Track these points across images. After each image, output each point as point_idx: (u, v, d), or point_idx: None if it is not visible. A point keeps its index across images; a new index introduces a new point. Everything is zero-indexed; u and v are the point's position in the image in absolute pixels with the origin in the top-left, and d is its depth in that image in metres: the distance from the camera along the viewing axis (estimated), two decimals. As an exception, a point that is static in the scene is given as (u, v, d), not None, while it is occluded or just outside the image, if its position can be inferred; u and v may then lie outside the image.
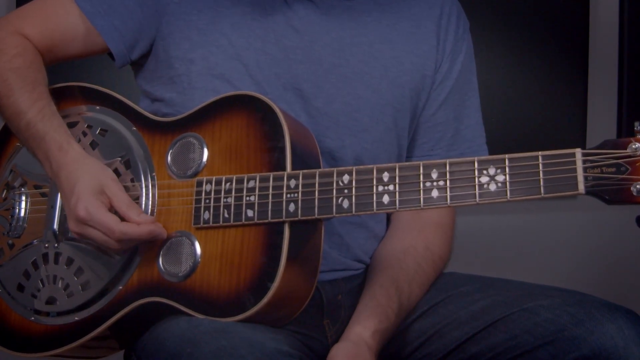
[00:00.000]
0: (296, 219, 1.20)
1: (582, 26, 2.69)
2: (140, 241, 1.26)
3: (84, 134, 1.38)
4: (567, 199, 2.73)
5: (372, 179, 1.18)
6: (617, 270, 2.78)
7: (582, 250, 2.77)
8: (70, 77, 1.47)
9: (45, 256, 1.38)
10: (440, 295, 1.41)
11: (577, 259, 2.77)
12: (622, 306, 1.25)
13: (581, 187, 1.06)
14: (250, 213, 1.23)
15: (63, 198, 1.30)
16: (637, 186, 1.04)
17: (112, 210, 1.26)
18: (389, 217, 1.52)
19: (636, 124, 1.06)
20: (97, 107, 1.42)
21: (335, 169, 1.20)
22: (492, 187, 1.11)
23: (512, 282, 1.39)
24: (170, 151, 1.32)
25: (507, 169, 1.10)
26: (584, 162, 1.07)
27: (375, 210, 1.17)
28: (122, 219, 1.25)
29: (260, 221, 1.22)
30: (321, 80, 1.38)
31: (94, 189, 1.25)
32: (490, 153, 1.46)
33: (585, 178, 1.06)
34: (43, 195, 1.42)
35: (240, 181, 1.25)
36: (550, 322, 1.24)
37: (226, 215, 1.24)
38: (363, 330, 1.30)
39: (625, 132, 1.08)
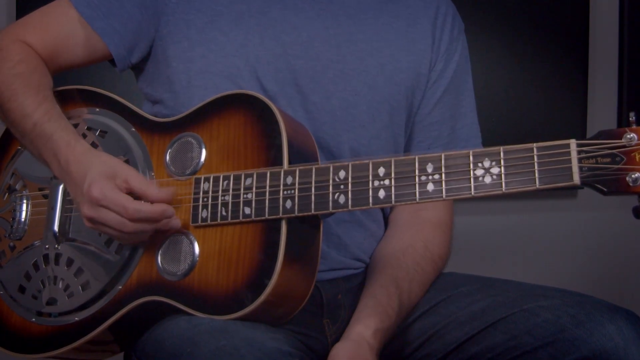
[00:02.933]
0: (293, 215, 1.20)
1: (582, 22, 2.69)
2: (153, 222, 1.25)
3: (84, 136, 1.39)
4: (567, 199, 2.74)
5: (368, 174, 1.18)
6: (616, 270, 2.78)
7: (582, 251, 2.77)
8: (70, 81, 1.48)
9: (45, 257, 1.38)
10: (441, 295, 1.40)
11: (576, 259, 2.77)
12: (622, 307, 1.25)
13: (576, 178, 1.06)
14: (247, 210, 1.23)
15: (74, 189, 1.29)
16: (633, 176, 1.03)
17: (129, 192, 1.25)
18: (386, 216, 1.52)
19: (631, 114, 1.06)
20: (97, 109, 1.43)
21: (331, 165, 1.21)
22: (487, 179, 1.11)
23: (512, 282, 1.39)
24: (169, 151, 1.33)
25: (502, 161, 1.10)
26: (579, 152, 1.06)
27: (371, 205, 1.17)
28: (141, 198, 1.25)
29: (258, 218, 1.22)
30: (319, 75, 1.40)
31: (106, 173, 1.25)
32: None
33: (581, 169, 1.06)
34: (44, 197, 1.42)
35: (237, 179, 1.25)
36: (550, 323, 1.24)
37: (224, 213, 1.25)
38: (364, 329, 1.30)
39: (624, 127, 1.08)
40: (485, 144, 1.51)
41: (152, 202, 1.26)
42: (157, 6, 1.40)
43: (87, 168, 1.26)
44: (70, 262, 1.36)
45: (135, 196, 1.25)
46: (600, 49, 2.73)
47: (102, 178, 1.24)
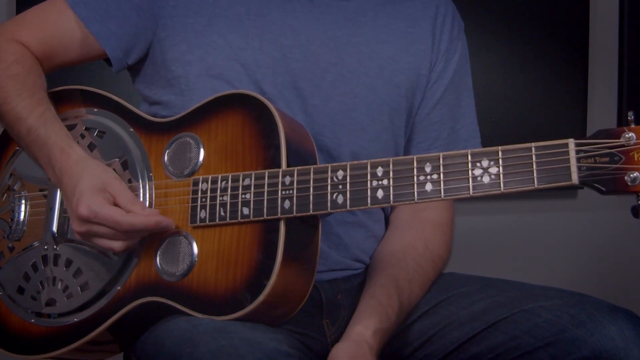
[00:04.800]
0: (291, 215, 1.20)
1: (582, 22, 2.69)
2: (147, 232, 1.26)
3: (82, 136, 1.39)
4: (567, 199, 2.74)
5: (367, 174, 1.18)
6: (616, 270, 2.77)
7: (582, 251, 2.77)
8: (69, 81, 1.48)
9: (44, 258, 1.38)
10: (441, 295, 1.40)
11: (576, 259, 2.77)
12: (623, 307, 1.25)
13: (575, 178, 1.06)
14: (246, 211, 1.23)
15: (66, 200, 1.30)
16: (631, 175, 1.03)
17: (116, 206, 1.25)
18: (387, 217, 1.52)
19: (629, 113, 1.05)
20: (95, 110, 1.42)
21: (329, 165, 1.20)
22: (486, 179, 1.11)
23: (512, 282, 1.39)
24: (167, 151, 1.33)
25: (500, 161, 1.10)
26: (577, 152, 1.06)
27: (369, 205, 1.17)
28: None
29: (256, 219, 1.22)
30: (318, 78, 1.39)
31: (95, 187, 1.25)
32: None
33: (579, 168, 1.06)
34: (43, 198, 1.42)
35: (235, 179, 1.25)
36: (550, 323, 1.24)
37: (222, 213, 1.25)
38: (364, 330, 1.30)
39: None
40: (485, 144, 1.50)
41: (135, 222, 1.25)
42: (154, 9, 1.40)
43: (77, 180, 1.26)
44: (69, 263, 1.36)
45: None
46: (600, 49, 2.73)
47: (90, 193, 1.24)
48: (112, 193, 1.25)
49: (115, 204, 1.25)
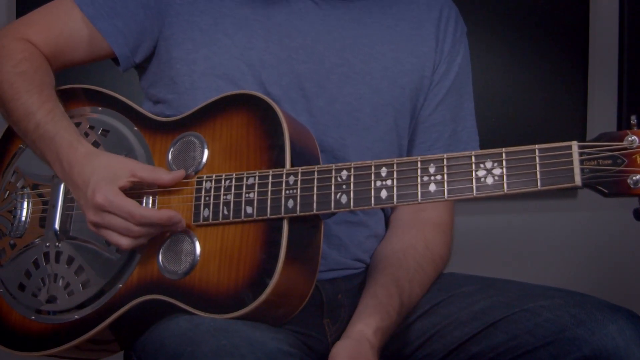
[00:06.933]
0: (295, 215, 1.20)
1: (582, 22, 2.70)
2: (158, 230, 1.26)
3: (86, 135, 1.39)
4: (567, 199, 2.74)
5: (371, 174, 1.18)
6: (617, 270, 2.78)
7: (582, 250, 2.77)
8: (73, 79, 1.48)
9: (46, 255, 1.39)
10: (441, 295, 1.41)
11: (577, 259, 2.77)
12: (623, 307, 1.25)
13: (577, 180, 1.06)
14: (249, 210, 1.23)
15: (77, 193, 1.30)
16: (634, 178, 1.04)
17: (140, 184, 1.27)
18: (387, 217, 1.52)
19: (632, 117, 1.06)
20: (100, 108, 1.43)
21: (333, 165, 1.21)
22: (489, 180, 1.11)
23: (512, 282, 1.39)
24: (171, 150, 1.33)
25: (504, 163, 1.11)
26: (581, 154, 1.07)
27: (373, 205, 1.17)
28: (154, 186, 1.28)
29: (259, 218, 1.22)
30: (323, 79, 1.40)
31: (108, 178, 1.25)
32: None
33: (582, 170, 1.06)
34: (45, 195, 1.42)
35: (239, 178, 1.25)
36: (551, 323, 1.24)
37: (225, 212, 1.25)
38: (365, 328, 1.30)
39: (625, 129, 1.09)
40: (485, 144, 1.50)
41: (166, 186, 1.28)
42: (160, 7, 1.40)
43: (89, 173, 1.27)
44: (70, 260, 1.36)
45: (148, 187, 1.28)
46: (600, 49, 2.73)
47: (104, 183, 1.25)
48: (130, 172, 1.27)
49: (139, 182, 1.26)
